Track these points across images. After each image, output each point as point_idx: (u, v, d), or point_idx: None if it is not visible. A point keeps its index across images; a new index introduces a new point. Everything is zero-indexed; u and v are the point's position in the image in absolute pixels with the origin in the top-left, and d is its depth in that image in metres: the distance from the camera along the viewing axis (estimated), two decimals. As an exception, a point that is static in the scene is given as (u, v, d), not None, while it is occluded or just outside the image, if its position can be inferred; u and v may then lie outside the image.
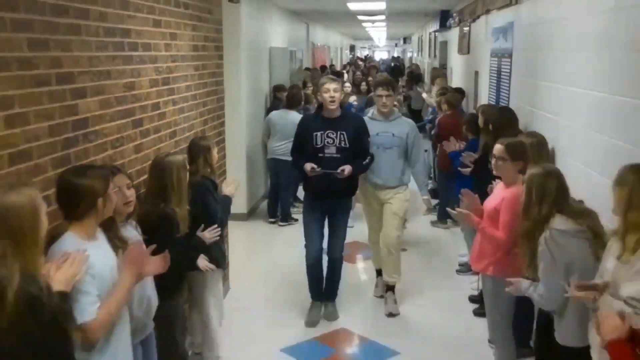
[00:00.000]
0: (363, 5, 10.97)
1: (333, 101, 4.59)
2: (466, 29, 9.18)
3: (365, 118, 5.07)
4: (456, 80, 10.55)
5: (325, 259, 5.02)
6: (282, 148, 7.23)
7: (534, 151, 3.74)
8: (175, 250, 2.94)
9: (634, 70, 2.99)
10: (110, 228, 2.54)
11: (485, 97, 7.29)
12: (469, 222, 3.66)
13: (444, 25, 11.98)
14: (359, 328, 4.89)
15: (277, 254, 6.66)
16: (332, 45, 22.93)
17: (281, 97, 8.09)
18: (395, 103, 5.57)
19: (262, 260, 6.44)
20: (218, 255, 3.90)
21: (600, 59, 3.50)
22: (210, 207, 3.76)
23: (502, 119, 4.84)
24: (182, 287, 3.70)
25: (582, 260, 2.71)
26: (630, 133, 2.99)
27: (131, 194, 2.81)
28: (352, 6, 10.75)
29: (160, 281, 2.94)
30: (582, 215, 2.79)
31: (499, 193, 3.61)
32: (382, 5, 10.90)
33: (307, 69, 12.60)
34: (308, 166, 4.57)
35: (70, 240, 2.28)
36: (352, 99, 8.81)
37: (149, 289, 2.87)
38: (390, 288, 5.21)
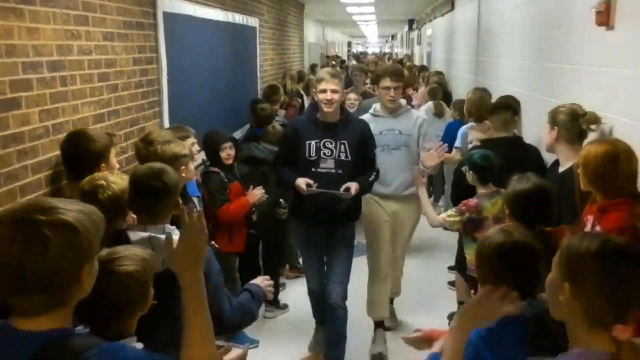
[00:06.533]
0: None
1: (330, 103, 3.51)
2: (419, 32, 16.49)
3: (367, 116, 4.09)
4: (416, 60, 17.87)
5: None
6: (322, 96, 14.23)
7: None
8: None
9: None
10: None
11: (425, 64, 14.66)
12: None
13: (411, 29, 19.22)
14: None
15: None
16: (336, 41, 30.30)
17: (316, 70, 15.06)
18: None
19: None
20: None
21: (447, 42, 10.78)
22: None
23: (422, 67, 12.10)
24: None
25: None
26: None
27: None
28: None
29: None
30: None
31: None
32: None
33: (327, 56, 19.76)
34: (302, 182, 3.44)
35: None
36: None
37: None
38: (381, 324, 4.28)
